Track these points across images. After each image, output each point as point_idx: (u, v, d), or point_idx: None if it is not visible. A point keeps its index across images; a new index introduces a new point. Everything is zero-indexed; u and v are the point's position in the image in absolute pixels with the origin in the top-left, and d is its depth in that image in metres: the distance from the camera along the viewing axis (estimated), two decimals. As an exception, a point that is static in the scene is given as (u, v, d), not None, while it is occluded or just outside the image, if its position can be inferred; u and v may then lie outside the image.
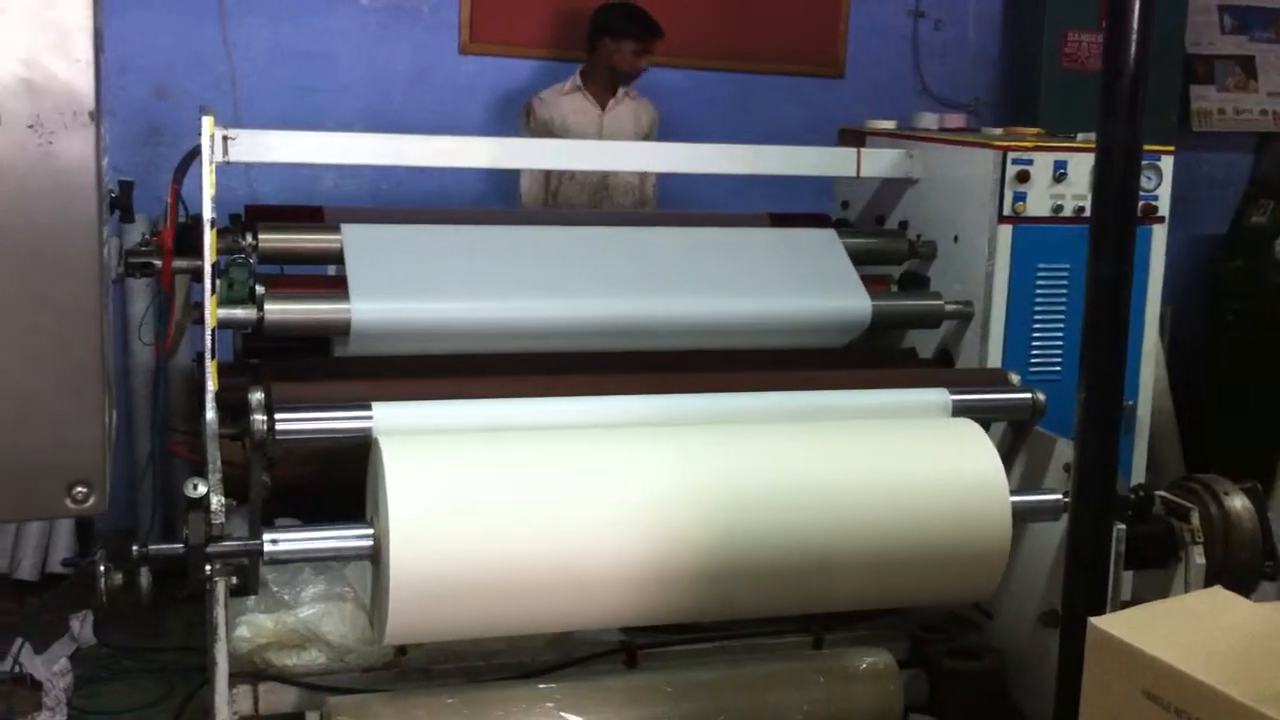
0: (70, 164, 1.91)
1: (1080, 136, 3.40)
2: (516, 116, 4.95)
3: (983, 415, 3.02)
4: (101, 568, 2.43)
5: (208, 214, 2.74)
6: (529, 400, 2.80)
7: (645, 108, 4.94)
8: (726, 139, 3.66)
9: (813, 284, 3.38)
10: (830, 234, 3.52)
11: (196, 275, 2.84)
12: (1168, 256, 3.47)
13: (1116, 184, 2.19)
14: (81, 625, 3.81)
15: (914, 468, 2.83)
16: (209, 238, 2.75)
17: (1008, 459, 3.04)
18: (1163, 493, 3.00)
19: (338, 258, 3.13)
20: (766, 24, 5.41)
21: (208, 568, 2.49)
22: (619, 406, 2.85)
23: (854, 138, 3.77)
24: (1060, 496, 2.88)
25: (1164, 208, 3.44)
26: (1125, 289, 2.22)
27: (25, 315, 1.92)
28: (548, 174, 4.68)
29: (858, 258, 3.46)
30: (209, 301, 2.77)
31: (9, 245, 1.90)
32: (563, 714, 2.71)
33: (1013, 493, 2.86)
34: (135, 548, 2.47)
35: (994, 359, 3.34)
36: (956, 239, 3.45)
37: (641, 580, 2.62)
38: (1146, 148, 2.29)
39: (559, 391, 2.85)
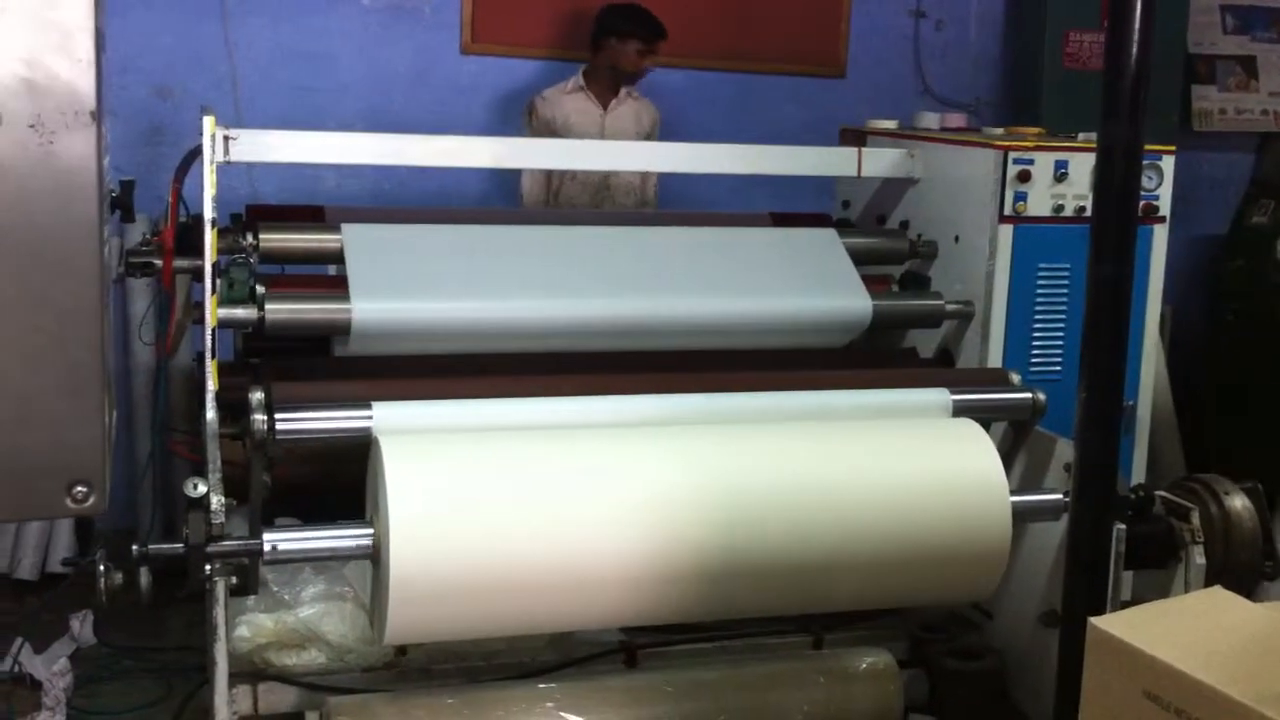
0: (71, 164, 1.91)
1: (1081, 136, 3.40)
2: (518, 116, 4.95)
3: (983, 415, 3.02)
4: (101, 567, 2.43)
5: (208, 214, 2.74)
6: (529, 400, 2.80)
7: (647, 108, 4.94)
8: (727, 139, 3.66)
9: (813, 284, 3.38)
10: (831, 234, 3.52)
11: (197, 275, 2.84)
12: (1168, 256, 3.48)
13: (1117, 184, 2.19)
14: (81, 625, 3.81)
15: (914, 467, 2.83)
16: (210, 237, 2.75)
17: (1008, 459, 3.04)
18: (1163, 493, 3.00)
19: (338, 257, 3.13)
20: (767, 24, 5.41)
21: (208, 567, 2.49)
22: (619, 406, 2.85)
23: (855, 137, 3.77)
24: (1060, 496, 2.88)
25: (1165, 208, 3.45)
26: (1126, 289, 2.21)
27: (25, 315, 1.92)
28: (549, 174, 4.68)
29: (858, 257, 3.46)
30: (209, 301, 2.77)
31: (9, 245, 1.90)
32: (563, 714, 2.71)
33: (1013, 493, 2.87)
34: (135, 547, 2.47)
35: (994, 359, 3.34)
36: (957, 239, 3.45)
37: (642, 580, 2.62)
38: (1147, 148, 2.29)
39: (559, 391, 2.85)
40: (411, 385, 2.81)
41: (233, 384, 2.77)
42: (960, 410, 3.01)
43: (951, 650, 3.07)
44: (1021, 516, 2.88)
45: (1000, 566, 2.85)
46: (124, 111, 4.47)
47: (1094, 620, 1.70)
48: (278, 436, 2.61)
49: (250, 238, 3.06)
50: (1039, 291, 3.37)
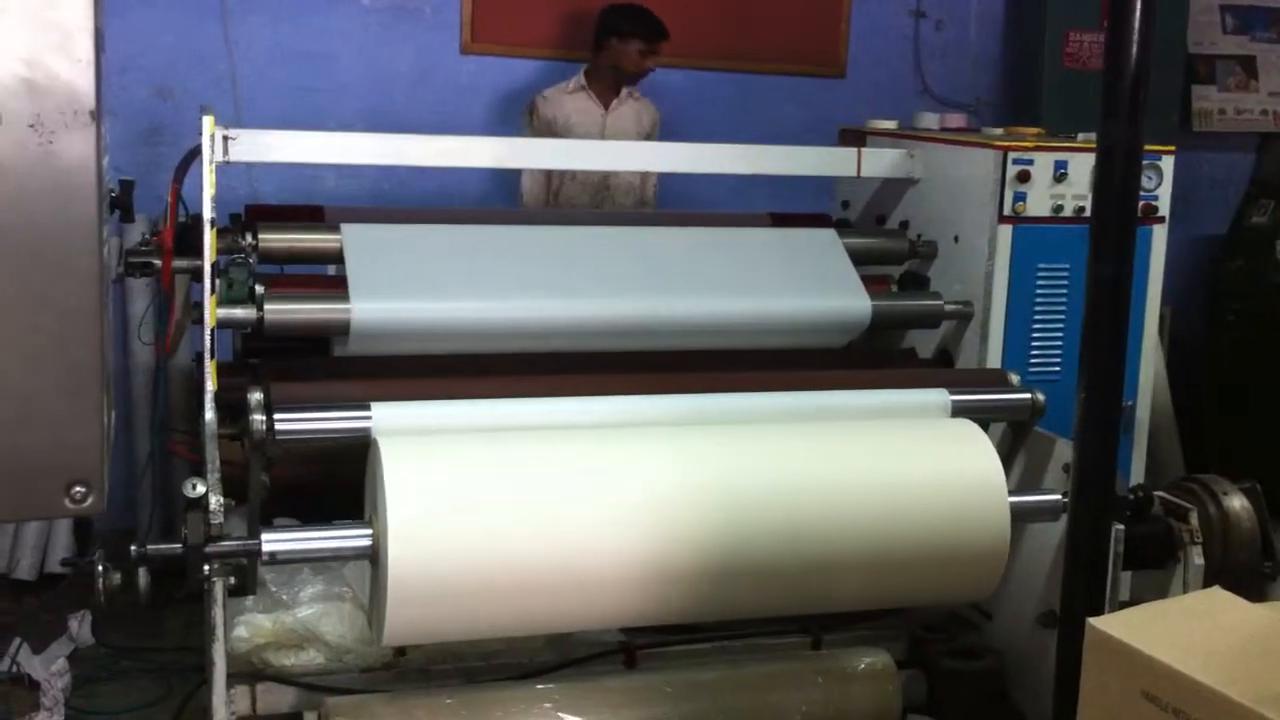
0: (71, 163, 1.91)
1: (1081, 137, 3.40)
2: (518, 116, 4.95)
3: (982, 415, 3.02)
4: (100, 567, 2.43)
5: (208, 214, 2.74)
6: (529, 400, 2.80)
7: (647, 108, 4.95)
8: (727, 139, 3.65)
9: (813, 284, 3.37)
10: (830, 234, 3.52)
11: (196, 275, 2.84)
12: (1168, 256, 3.48)
13: (1117, 184, 2.19)
14: (80, 625, 3.81)
15: (913, 468, 2.83)
16: (209, 237, 2.75)
17: (1007, 459, 3.04)
18: (1161, 493, 3.00)
19: (337, 257, 3.13)
20: (767, 24, 5.41)
21: (206, 568, 2.49)
22: (619, 406, 2.85)
23: (855, 138, 3.77)
24: (1059, 497, 2.88)
25: (1164, 208, 3.45)
26: (1125, 289, 2.21)
27: (25, 315, 1.92)
28: (549, 174, 4.68)
29: (858, 258, 3.46)
30: (208, 301, 2.77)
31: (9, 245, 1.90)
32: (561, 714, 2.71)
33: (1012, 493, 2.86)
34: (134, 547, 2.46)
35: (994, 359, 3.34)
36: (957, 239, 3.45)
37: (641, 581, 2.62)
38: (1147, 148, 2.29)
39: (558, 391, 2.85)
40: (410, 386, 2.81)
41: (232, 384, 2.77)
42: (959, 411, 3.01)
43: (950, 650, 3.07)
44: (1020, 517, 2.88)
45: (999, 567, 2.85)
46: (124, 111, 4.47)
47: (1092, 621, 1.70)
48: (276, 437, 2.61)
49: (249, 238, 3.06)
50: (1038, 292, 3.37)
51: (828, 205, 3.96)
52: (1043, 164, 3.34)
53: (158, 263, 2.87)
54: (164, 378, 4.34)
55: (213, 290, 2.79)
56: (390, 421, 2.66)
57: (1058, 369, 3.36)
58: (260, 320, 2.94)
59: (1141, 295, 3.38)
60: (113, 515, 3.82)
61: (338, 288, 3.05)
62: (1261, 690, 1.51)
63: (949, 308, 3.41)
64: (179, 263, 2.86)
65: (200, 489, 2.48)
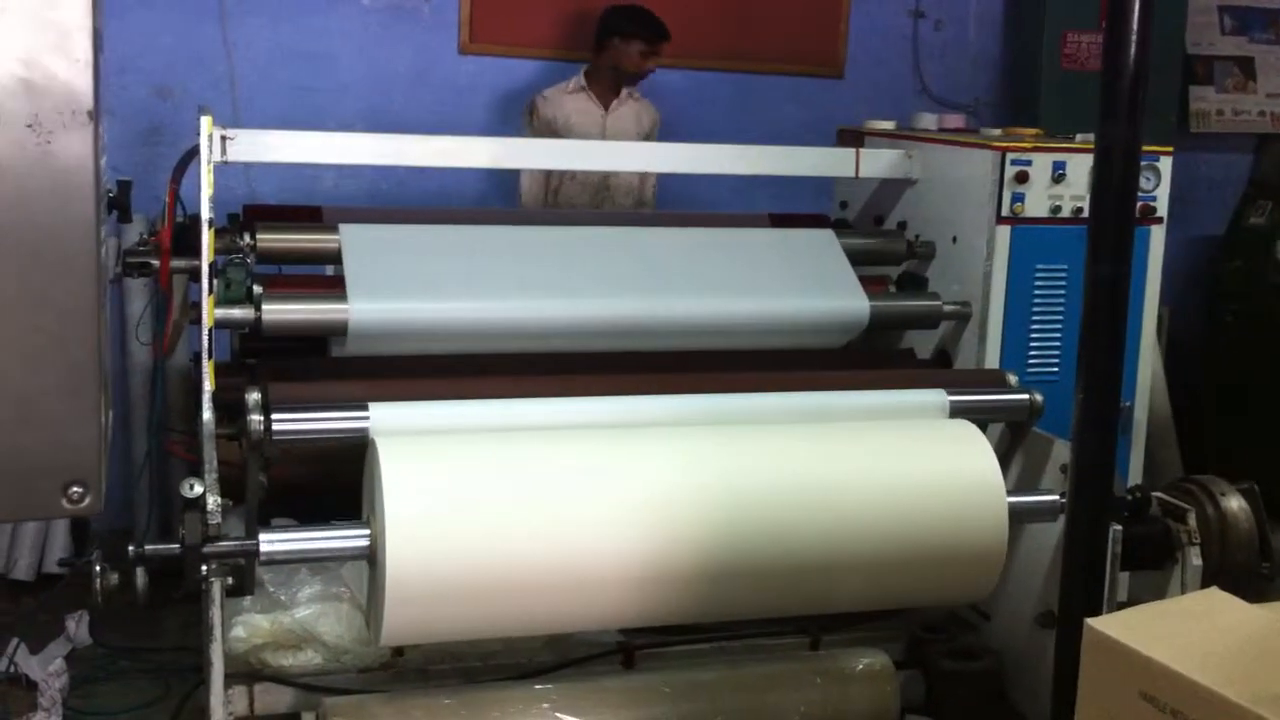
0: (68, 163, 1.91)
1: (1079, 137, 3.40)
2: (517, 116, 4.95)
3: (980, 416, 3.02)
4: (97, 568, 2.43)
5: (205, 214, 2.74)
6: (527, 401, 2.80)
7: (647, 109, 4.95)
8: (726, 139, 3.65)
9: (811, 285, 3.37)
10: (829, 234, 3.52)
11: (194, 275, 2.84)
12: (1166, 257, 3.48)
13: (1115, 185, 2.19)
14: (77, 625, 3.81)
15: (911, 469, 2.83)
16: (207, 237, 2.75)
17: (1005, 460, 3.03)
18: (1159, 494, 3.00)
19: (335, 258, 3.13)
20: (766, 24, 5.41)
21: (204, 568, 2.49)
22: (617, 407, 2.85)
23: (853, 138, 3.77)
24: (1057, 497, 2.88)
25: (1162, 208, 3.45)
26: (1123, 290, 2.22)
27: (22, 315, 1.92)
28: (548, 174, 4.68)
29: (856, 258, 3.46)
30: (206, 301, 2.77)
31: (6, 245, 1.90)
32: (560, 715, 2.71)
33: (1010, 494, 2.86)
34: (131, 548, 2.47)
35: (992, 360, 3.34)
36: (955, 239, 3.45)
37: (639, 581, 2.62)
38: (1145, 149, 2.29)
39: (557, 392, 2.85)
40: (408, 386, 2.81)
41: (229, 384, 2.76)
42: (957, 411, 3.01)
43: (948, 651, 3.07)
44: (1018, 517, 2.88)
45: (997, 567, 2.85)
46: (123, 111, 4.47)
47: (1090, 621, 1.70)
48: (274, 437, 2.61)
49: (247, 238, 3.06)
50: (1036, 292, 3.37)
51: (826, 206, 3.96)
52: (1041, 165, 3.34)
53: (156, 263, 2.87)
54: (162, 378, 4.34)
55: (210, 290, 2.79)
56: (388, 422, 2.65)
57: (1056, 369, 3.36)
58: (258, 320, 2.94)
59: (1140, 296, 3.38)
60: (110, 515, 3.81)
61: (336, 288, 3.05)
62: (1259, 690, 1.51)
63: (947, 308, 3.41)
64: (177, 263, 2.86)
65: (198, 489, 2.48)
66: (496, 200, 4.98)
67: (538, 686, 2.79)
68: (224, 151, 2.88)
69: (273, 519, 2.73)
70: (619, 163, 4.07)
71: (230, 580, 2.53)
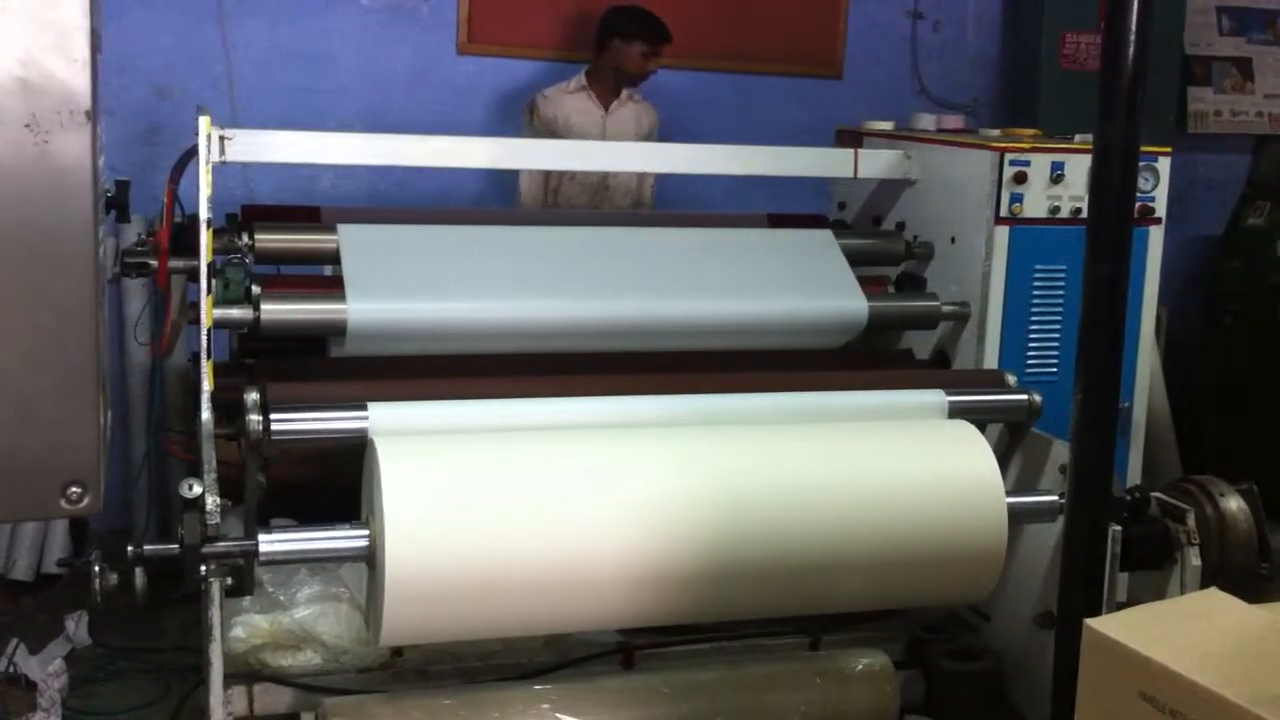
0: (66, 163, 1.91)
1: (1078, 138, 3.40)
2: (516, 116, 4.95)
3: (979, 416, 3.02)
4: (96, 568, 2.43)
5: (204, 214, 2.74)
6: (525, 401, 2.80)
7: (647, 111, 4.94)
8: (726, 139, 3.65)
9: (810, 285, 3.37)
10: (827, 235, 3.52)
11: (192, 275, 2.84)
12: (1165, 257, 3.48)
13: (1114, 185, 2.20)
14: (76, 625, 3.81)
15: (910, 469, 2.83)
16: (205, 238, 2.74)
17: (1004, 460, 3.04)
18: (1158, 494, 3.00)
19: (334, 258, 3.13)
20: (766, 24, 5.41)
21: (203, 568, 2.49)
22: (616, 407, 2.85)
23: (851, 138, 3.77)
24: (1056, 498, 2.88)
25: (1161, 209, 3.45)
26: (1122, 290, 2.22)
27: (20, 315, 1.92)
28: (547, 174, 4.68)
29: (855, 259, 3.46)
30: (205, 301, 2.77)
31: (5, 245, 1.90)
32: (559, 715, 2.71)
33: (1009, 494, 2.86)
34: (130, 548, 2.47)
35: (990, 360, 3.34)
36: (953, 240, 3.45)
37: (639, 581, 2.62)
38: (1143, 149, 2.29)
39: (555, 392, 2.85)
40: (407, 386, 2.81)
41: (228, 384, 2.76)
42: (956, 412, 3.01)
43: (948, 651, 3.07)
44: (1017, 518, 2.88)
45: (996, 568, 2.85)
46: (122, 111, 4.47)
47: (1090, 621, 1.70)
48: (273, 437, 2.61)
49: (246, 238, 3.06)
50: (1035, 293, 3.37)
51: (825, 206, 3.96)
52: (1039, 165, 3.34)
53: (154, 263, 2.87)
54: (160, 378, 4.34)
55: (209, 290, 2.79)
56: (387, 422, 2.65)
57: (1055, 370, 3.36)
58: (256, 320, 2.94)
59: (1138, 296, 3.38)
60: (109, 515, 3.81)
61: (334, 288, 3.04)
62: (1258, 691, 1.51)
63: (946, 309, 3.41)
64: (175, 263, 2.86)
65: (197, 489, 2.48)
66: (495, 200, 4.98)
67: (537, 686, 2.79)
68: (222, 152, 2.88)
69: (272, 519, 2.72)
70: (617, 163, 4.07)
71: (229, 580, 2.53)
